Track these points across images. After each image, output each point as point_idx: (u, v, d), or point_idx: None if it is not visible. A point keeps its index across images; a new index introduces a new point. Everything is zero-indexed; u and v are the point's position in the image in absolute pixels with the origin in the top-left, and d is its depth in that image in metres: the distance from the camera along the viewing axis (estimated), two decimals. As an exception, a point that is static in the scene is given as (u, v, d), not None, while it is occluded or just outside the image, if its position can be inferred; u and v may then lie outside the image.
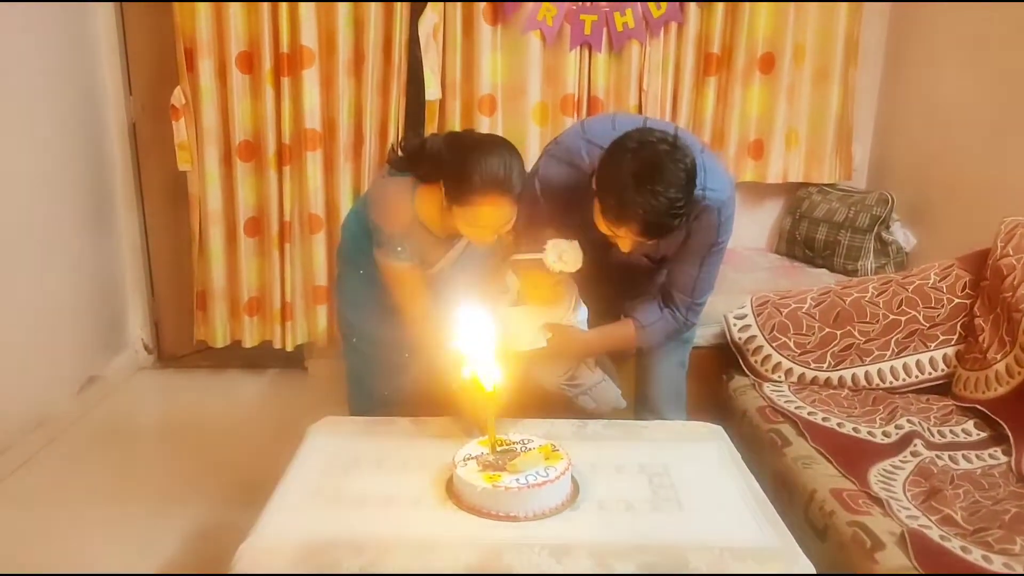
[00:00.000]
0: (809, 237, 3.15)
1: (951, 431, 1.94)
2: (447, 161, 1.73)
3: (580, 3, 2.92)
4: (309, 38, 2.89)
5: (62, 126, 2.87)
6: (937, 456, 1.81)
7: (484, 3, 2.90)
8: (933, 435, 1.91)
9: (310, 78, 2.92)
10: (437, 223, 1.83)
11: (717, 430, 1.78)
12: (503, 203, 1.68)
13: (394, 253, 1.81)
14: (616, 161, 1.58)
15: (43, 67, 2.74)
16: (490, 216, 1.69)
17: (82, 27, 2.98)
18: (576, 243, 1.78)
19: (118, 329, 3.30)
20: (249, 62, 2.94)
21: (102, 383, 3.10)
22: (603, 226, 1.65)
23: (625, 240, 1.65)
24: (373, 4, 2.84)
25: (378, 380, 2.03)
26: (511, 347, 1.77)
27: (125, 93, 3.18)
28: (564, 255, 1.77)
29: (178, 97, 2.94)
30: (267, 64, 2.91)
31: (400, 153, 1.85)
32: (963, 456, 1.83)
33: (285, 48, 2.89)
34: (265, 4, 2.85)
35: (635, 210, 1.56)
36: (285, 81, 2.93)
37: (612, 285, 1.98)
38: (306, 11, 2.85)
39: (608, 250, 1.77)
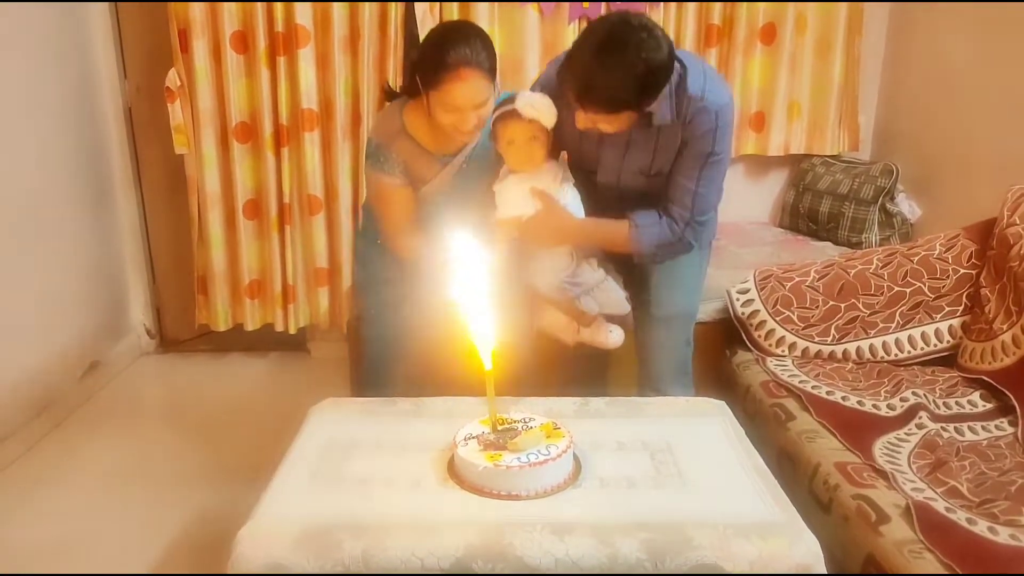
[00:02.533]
0: (813, 210, 3.12)
1: (957, 403, 1.92)
2: (419, 53, 1.77)
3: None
4: (304, 16, 2.85)
5: (57, 111, 2.84)
6: (943, 428, 1.79)
7: (480, -22, 2.85)
8: (939, 407, 1.89)
9: (306, 57, 2.89)
10: (428, 137, 1.85)
11: (720, 405, 1.77)
12: (473, 76, 1.69)
13: (379, 164, 1.83)
14: (588, 31, 1.60)
15: (36, 51, 2.71)
16: (462, 92, 1.69)
17: (75, 10, 2.94)
18: (548, 98, 1.73)
19: (120, 314, 3.29)
20: (244, 42, 2.91)
21: (105, 368, 3.10)
22: (570, 98, 1.65)
23: (582, 117, 1.64)
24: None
25: (394, 353, 2.05)
26: (500, 216, 1.80)
27: (120, 76, 3.15)
28: (535, 102, 1.74)
29: (173, 79, 2.91)
30: (262, 44, 2.88)
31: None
32: (969, 428, 1.82)
33: (280, 27, 2.85)
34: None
35: (589, 77, 1.56)
36: (281, 61, 2.90)
37: (607, 211, 1.91)
38: (300, -12, 2.82)
39: (598, 171, 1.78)
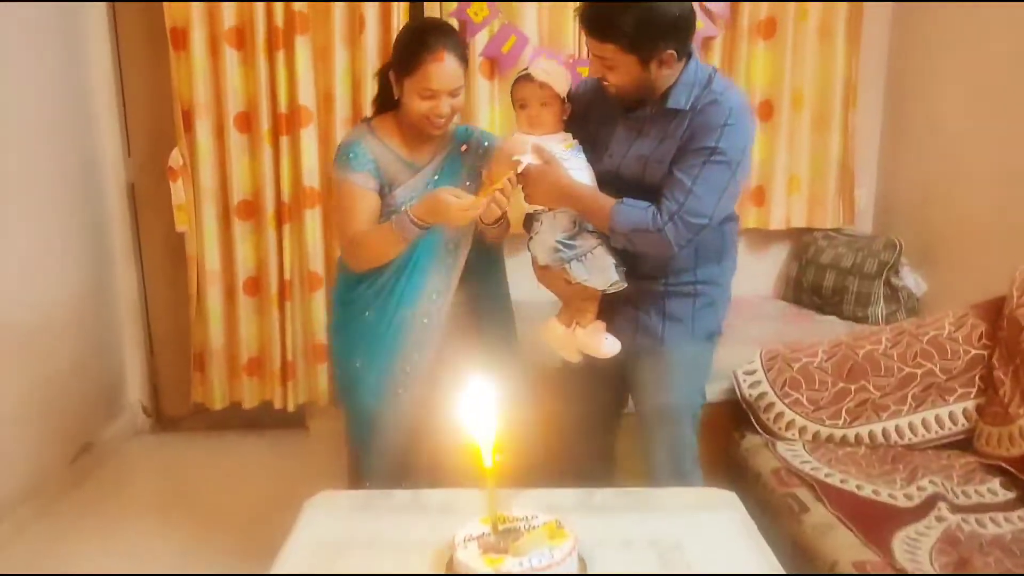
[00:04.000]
0: (816, 283, 3.09)
1: (976, 491, 1.85)
2: (395, 46, 1.84)
3: (578, 57, 2.91)
4: (307, 97, 2.89)
5: (61, 187, 2.85)
6: (963, 520, 1.72)
7: (481, 58, 2.90)
8: (957, 495, 1.83)
9: (308, 136, 2.92)
10: (398, 142, 1.88)
11: (731, 498, 1.69)
12: (451, 59, 1.75)
13: (347, 161, 1.84)
14: None
15: (42, 129, 2.74)
16: (440, 74, 1.75)
17: (81, 89, 2.98)
18: (563, 67, 1.80)
19: (115, 393, 3.24)
20: (247, 122, 2.94)
21: (98, 450, 3.03)
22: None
23: (593, 61, 1.71)
24: (370, 62, 2.84)
25: (383, 434, 1.98)
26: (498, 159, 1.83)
27: (124, 154, 3.17)
28: (549, 68, 1.77)
29: (175, 159, 2.93)
30: (265, 124, 2.91)
31: None
32: (991, 519, 1.74)
33: (283, 108, 2.89)
34: (263, 64, 2.85)
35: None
36: (284, 140, 2.92)
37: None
38: (304, 70, 2.86)
39: (603, 159, 1.82)
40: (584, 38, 1.74)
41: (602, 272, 1.79)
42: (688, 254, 1.80)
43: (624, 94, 1.74)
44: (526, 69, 1.82)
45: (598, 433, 2.09)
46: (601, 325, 1.86)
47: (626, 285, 1.81)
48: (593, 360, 1.90)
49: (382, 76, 1.91)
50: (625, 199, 1.74)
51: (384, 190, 1.88)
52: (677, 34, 1.66)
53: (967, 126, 2.75)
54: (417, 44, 1.76)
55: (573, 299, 1.87)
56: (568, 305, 1.90)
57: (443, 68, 1.76)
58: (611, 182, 1.80)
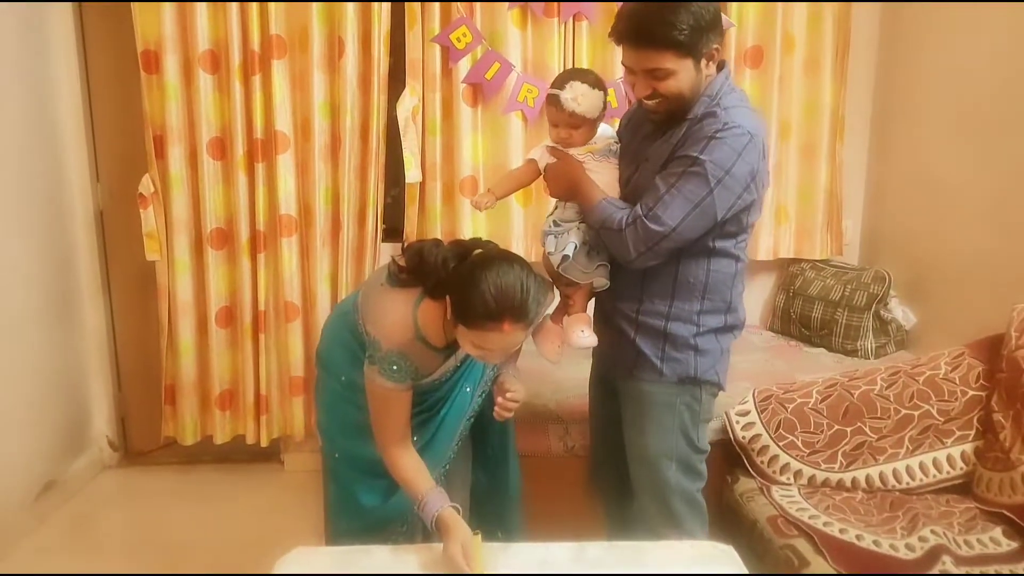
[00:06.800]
0: (804, 315, 3.04)
1: (978, 540, 1.79)
2: (456, 279, 1.59)
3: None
4: (284, 123, 2.80)
5: (25, 213, 2.72)
6: (968, 574, 1.66)
7: (464, 85, 2.83)
8: (960, 546, 1.76)
9: (285, 163, 2.82)
10: (439, 335, 1.69)
11: (728, 552, 1.62)
12: (516, 331, 1.54)
13: (389, 372, 1.65)
14: None
15: (5, 152, 2.61)
16: (500, 343, 1.57)
17: (47, 111, 2.86)
18: (596, 90, 1.73)
19: (81, 427, 3.10)
20: (221, 148, 2.84)
21: (61, 487, 2.89)
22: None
23: (638, 81, 1.64)
24: (350, 87, 2.76)
25: (362, 503, 1.86)
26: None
27: (92, 180, 3.06)
28: (579, 96, 1.71)
29: (146, 185, 2.82)
30: (240, 150, 2.81)
31: (399, 264, 1.70)
32: (995, 572, 1.68)
33: (259, 134, 2.79)
34: (238, 89, 2.76)
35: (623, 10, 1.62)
36: (259, 167, 2.82)
37: None
38: (280, 96, 2.77)
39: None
40: (625, 56, 1.63)
41: (560, 250, 1.78)
42: (665, 282, 1.74)
43: (677, 105, 1.65)
44: (557, 89, 1.73)
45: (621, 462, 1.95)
46: (584, 317, 1.84)
47: (577, 268, 1.77)
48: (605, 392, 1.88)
49: (435, 267, 1.63)
50: (611, 197, 1.73)
51: (415, 380, 1.74)
52: (718, 27, 1.62)
53: (954, 159, 2.72)
54: (484, 307, 1.51)
55: (560, 284, 1.84)
56: (560, 293, 1.86)
57: (506, 339, 1.55)
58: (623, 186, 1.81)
